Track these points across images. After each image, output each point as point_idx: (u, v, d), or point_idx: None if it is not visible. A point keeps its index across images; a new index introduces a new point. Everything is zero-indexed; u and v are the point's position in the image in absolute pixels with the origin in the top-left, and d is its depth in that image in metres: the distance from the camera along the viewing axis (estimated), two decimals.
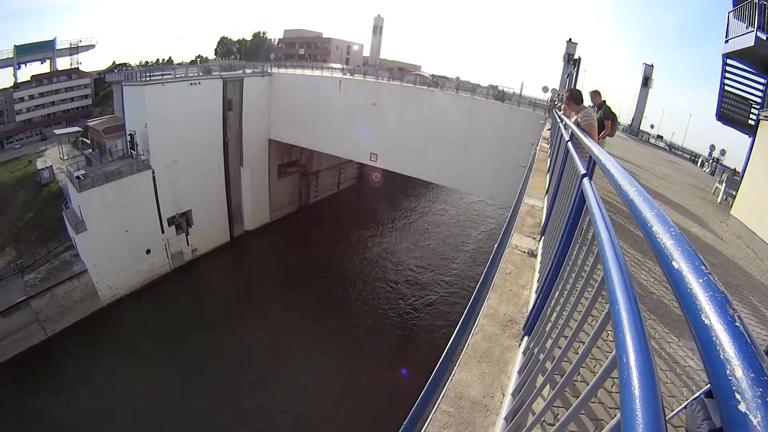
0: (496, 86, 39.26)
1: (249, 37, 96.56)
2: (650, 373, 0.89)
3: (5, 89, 66.13)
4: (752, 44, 12.83)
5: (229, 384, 25.85)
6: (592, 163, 3.07)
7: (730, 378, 0.60)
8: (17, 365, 26.55)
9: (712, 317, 0.72)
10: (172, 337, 29.06)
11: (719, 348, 0.65)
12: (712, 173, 28.04)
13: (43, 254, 30.99)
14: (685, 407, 2.61)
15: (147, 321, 30.72)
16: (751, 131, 16.03)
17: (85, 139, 43.87)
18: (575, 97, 8.49)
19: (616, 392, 3.30)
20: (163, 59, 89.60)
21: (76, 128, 48.45)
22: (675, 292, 0.85)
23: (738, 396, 0.58)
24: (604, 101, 12.04)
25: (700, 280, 0.82)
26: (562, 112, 12.30)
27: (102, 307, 31.41)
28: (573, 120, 8.28)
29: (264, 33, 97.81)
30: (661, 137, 43.75)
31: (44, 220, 34.82)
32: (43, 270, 29.87)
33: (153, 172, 33.62)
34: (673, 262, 0.92)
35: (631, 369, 0.91)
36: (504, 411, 3.06)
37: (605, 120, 11.65)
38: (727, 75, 17.21)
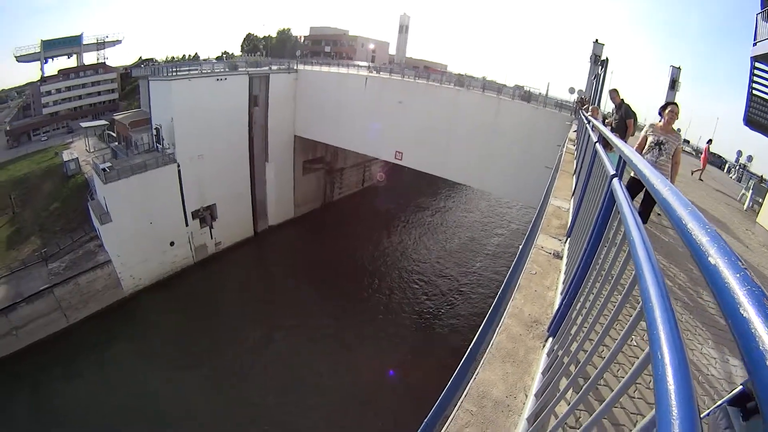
0: (522, 86, 38.94)
1: (274, 34, 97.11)
2: (685, 370, 0.90)
3: (33, 83, 67.52)
4: None
5: (246, 381, 26.05)
6: (622, 163, 3.05)
7: None
8: (38, 350, 27.18)
9: (750, 310, 0.72)
10: (192, 329, 29.42)
11: (758, 339, 0.66)
12: (739, 180, 27.61)
13: (68, 244, 31.63)
14: (708, 414, 2.58)
15: (168, 312, 31.13)
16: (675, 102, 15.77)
17: (111, 133, 44.60)
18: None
19: (638, 398, 3.30)
20: (190, 55, 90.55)
21: (103, 121, 49.40)
22: (711, 288, 0.86)
23: None
24: (623, 100, 11.88)
25: (737, 275, 0.82)
26: (590, 113, 12.16)
27: (124, 296, 31.94)
28: (653, 139, 8.22)
29: (289, 30, 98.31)
30: (688, 141, 43.06)
31: (69, 210, 35.46)
32: (66, 259, 30.49)
33: (178, 166, 34.01)
34: (710, 258, 0.92)
35: (666, 365, 0.91)
36: (526, 412, 3.06)
37: (627, 120, 11.51)
38: (755, 79, 16.87)
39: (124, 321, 30.07)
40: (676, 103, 8.44)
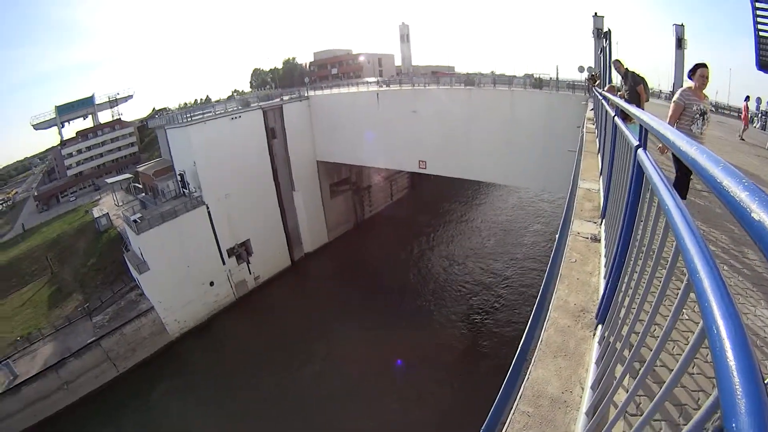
0: (532, 75, 38.66)
1: (280, 65, 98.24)
2: (743, 340, 0.80)
3: (53, 147, 70.42)
4: None
5: (301, 418, 25.59)
6: (644, 132, 2.95)
7: None
8: (90, 401, 28.02)
9: None
10: (239, 367, 29.63)
11: None
12: (763, 128, 26.62)
13: (109, 296, 32.52)
14: None
15: (212, 351, 31.72)
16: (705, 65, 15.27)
17: (137, 185, 45.63)
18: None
19: (697, 373, 3.15)
20: (201, 99, 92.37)
21: (127, 175, 50.53)
22: (760, 246, 0.76)
23: None
24: (627, 68, 11.69)
25: None
26: (605, 89, 11.97)
27: (171, 340, 32.57)
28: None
29: (294, 59, 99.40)
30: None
31: (106, 264, 36.44)
32: (110, 311, 31.35)
33: (207, 207, 34.61)
34: (753, 214, 0.82)
35: (723, 339, 0.81)
36: (584, 406, 2.94)
37: (637, 87, 11.25)
38: (759, 20, 16.43)
39: (171, 363, 30.75)
40: (705, 65, 7.51)
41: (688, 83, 7.81)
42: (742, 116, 21.12)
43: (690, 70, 7.64)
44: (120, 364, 29.92)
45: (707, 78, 7.39)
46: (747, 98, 21.74)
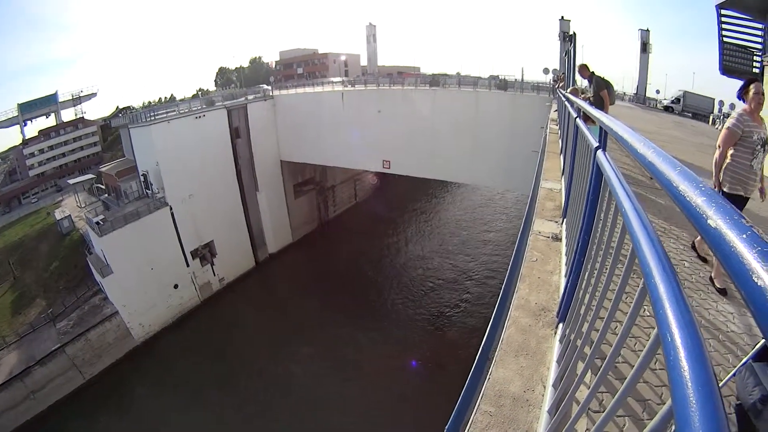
0: (497, 76, 39.05)
1: (246, 64, 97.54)
2: (699, 349, 0.78)
3: (15, 147, 68.22)
4: None
5: (270, 414, 25.75)
6: (603, 134, 2.97)
7: None
8: (56, 412, 27.20)
9: (765, 276, 0.60)
10: (205, 368, 29.33)
11: None
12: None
13: (73, 301, 31.68)
14: (734, 375, 2.50)
15: (181, 355, 31.06)
16: (758, 79, 15.73)
17: (99, 185, 44.65)
18: None
19: (660, 369, 3.20)
20: (165, 97, 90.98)
21: (90, 175, 49.47)
22: (716, 254, 0.74)
23: None
24: (593, 72, 11.82)
25: (743, 236, 0.70)
26: (568, 91, 12.09)
27: (137, 345, 31.88)
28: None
29: (260, 58, 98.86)
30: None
31: (69, 268, 35.47)
32: (74, 317, 30.52)
33: (171, 209, 34.03)
34: (709, 221, 0.80)
35: (677, 348, 0.80)
36: (546, 404, 2.95)
37: (600, 91, 11.39)
38: (723, 26, 16.91)
39: (138, 369, 30.05)
40: (757, 80, 5.85)
41: (740, 105, 5.95)
42: None
43: (740, 89, 5.79)
44: (86, 371, 29.19)
45: (764, 95, 5.58)
46: None
